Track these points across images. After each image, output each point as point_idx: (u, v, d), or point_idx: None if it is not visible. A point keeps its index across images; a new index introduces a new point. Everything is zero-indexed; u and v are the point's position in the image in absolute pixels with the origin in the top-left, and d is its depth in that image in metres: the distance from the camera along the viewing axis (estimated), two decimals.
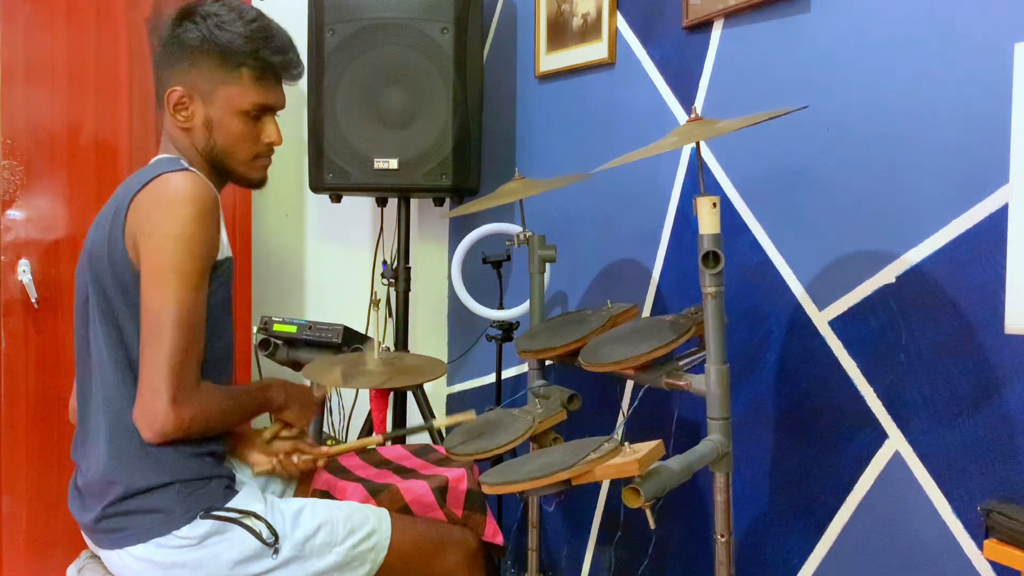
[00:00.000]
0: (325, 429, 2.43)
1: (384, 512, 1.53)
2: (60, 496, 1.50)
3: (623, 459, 1.21)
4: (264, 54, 1.45)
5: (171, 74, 1.47)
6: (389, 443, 2.01)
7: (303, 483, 1.71)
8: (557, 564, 2.33)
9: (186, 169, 1.41)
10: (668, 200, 1.92)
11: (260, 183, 1.57)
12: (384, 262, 2.70)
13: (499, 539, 1.69)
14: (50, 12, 2.13)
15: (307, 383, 1.69)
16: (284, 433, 1.60)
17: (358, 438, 2.34)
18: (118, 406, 1.38)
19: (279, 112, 1.55)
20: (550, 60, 2.30)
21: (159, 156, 1.51)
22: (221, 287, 1.45)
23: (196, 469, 1.40)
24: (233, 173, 1.52)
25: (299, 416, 1.59)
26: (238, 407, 1.47)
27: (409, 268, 2.48)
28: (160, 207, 1.35)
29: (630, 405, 1.99)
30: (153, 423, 1.32)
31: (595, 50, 2.12)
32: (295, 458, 1.57)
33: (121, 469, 1.37)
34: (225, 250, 1.46)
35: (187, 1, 1.49)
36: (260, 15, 1.49)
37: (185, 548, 1.36)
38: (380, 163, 2.28)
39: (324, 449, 1.61)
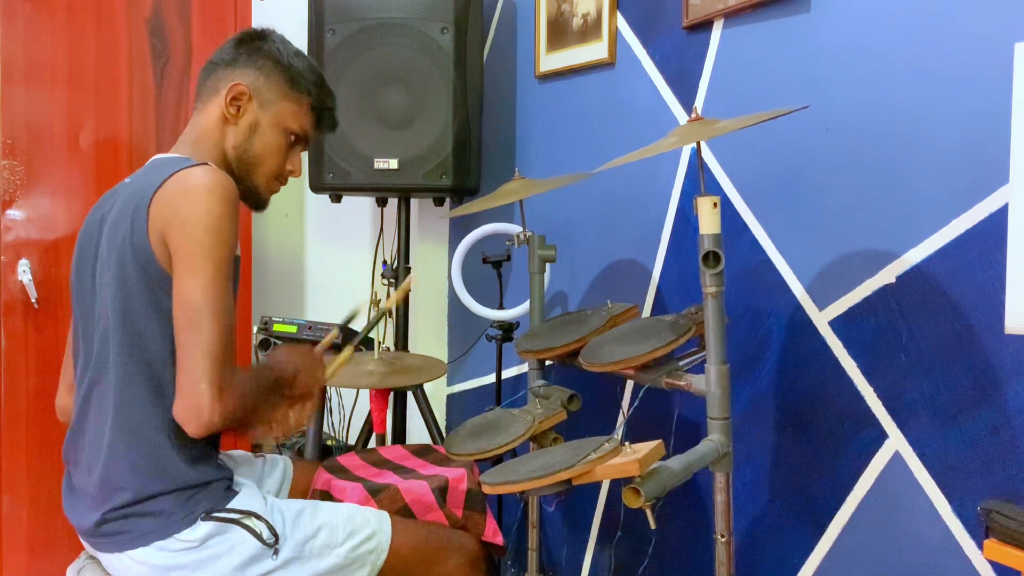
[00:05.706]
0: (325, 429, 2.43)
1: (384, 514, 1.53)
2: (60, 496, 1.50)
3: (623, 459, 1.21)
4: (323, 95, 1.59)
5: (236, 73, 1.52)
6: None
7: (301, 483, 1.71)
8: (557, 564, 2.33)
9: (204, 164, 1.41)
10: (668, 200, 1.92)
11: (262, 205, 1.60)
12: (384, 262, 2.70)
13: (499, 539, 1.68)
14: (50, 12, 2.13)
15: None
16: None
17: (358, 438, 2.34)
18: (127, 411, 1.37)
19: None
20: (550, 60, 2.30)
21: (162, 155, 1.50)
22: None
23: (198, 474, 1.39)
24: (248, 182, 1.53)
25: (310, 382, 1.51)
26: (265, 387, 1.42)
27: (409, 268, 2.48)
28: (189, 198, 1.35)
29: (630, 405, 1.99)
30: (200, 416, 1.29)
31: (595, 50, 2.12)
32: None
33: (125, 475, 1.36)
34: (237, 247, 1.46)
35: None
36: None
37: (186, 551, 1.36)
38: (380, 163, 2.28)
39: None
